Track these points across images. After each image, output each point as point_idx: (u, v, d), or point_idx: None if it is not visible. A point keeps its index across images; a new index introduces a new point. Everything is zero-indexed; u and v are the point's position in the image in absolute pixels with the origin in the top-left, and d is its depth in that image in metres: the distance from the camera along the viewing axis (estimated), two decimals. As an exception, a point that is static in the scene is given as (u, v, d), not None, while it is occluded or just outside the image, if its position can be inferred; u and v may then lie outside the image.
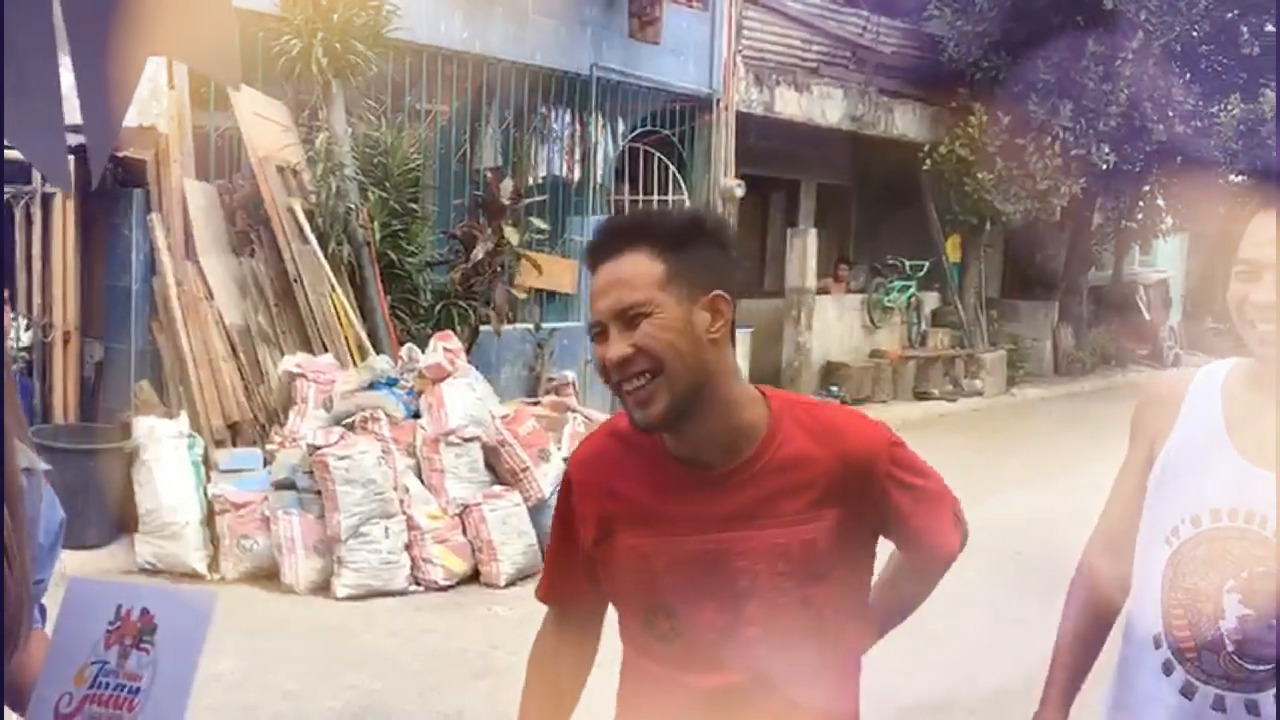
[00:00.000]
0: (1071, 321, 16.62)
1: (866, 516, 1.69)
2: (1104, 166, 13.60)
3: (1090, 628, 1.94)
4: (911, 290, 13.94)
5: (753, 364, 11.76)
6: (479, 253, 7.65)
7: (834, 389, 12.29)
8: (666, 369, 1.57)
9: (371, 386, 6.48)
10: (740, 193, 10.94)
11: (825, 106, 12.12)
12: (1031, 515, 8.15)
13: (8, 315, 6.39)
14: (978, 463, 10.04)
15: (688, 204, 10.48)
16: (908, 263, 13.87)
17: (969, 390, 13.69)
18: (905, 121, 13.29)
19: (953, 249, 14.66)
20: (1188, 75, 14.30)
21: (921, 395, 13.30)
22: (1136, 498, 1.81)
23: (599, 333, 1.61)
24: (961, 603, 6.17)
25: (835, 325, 12.94)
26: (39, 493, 1.49)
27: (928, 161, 13.23)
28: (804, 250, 12.10)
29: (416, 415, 6.50)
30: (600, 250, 1.64)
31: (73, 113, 1.04)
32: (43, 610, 1.60)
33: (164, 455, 6.13)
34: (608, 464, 1.74)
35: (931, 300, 14.61)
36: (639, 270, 1.59)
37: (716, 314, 1.61)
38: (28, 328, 6.49)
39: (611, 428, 1.78)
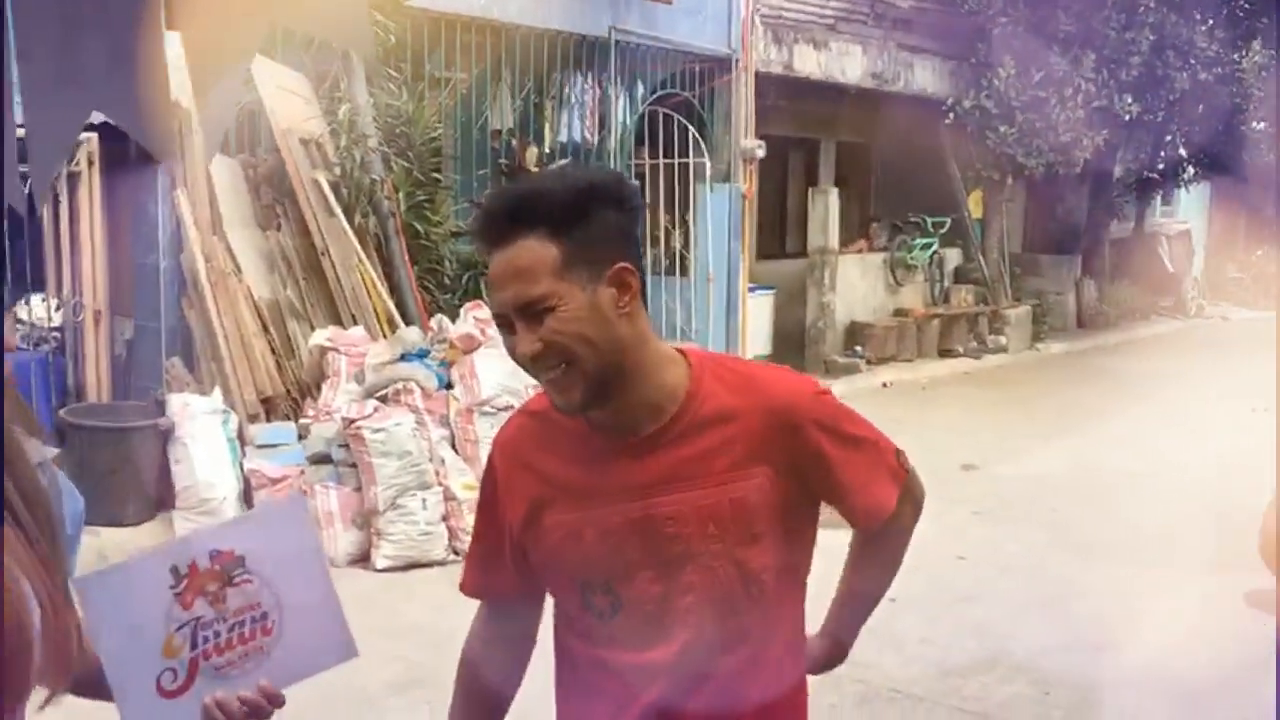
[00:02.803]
0: (1094, 275, 16.50)
1: (798, 473, 1.62)
2: (1126, 117, 13.44)
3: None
4: (934, 248, 13.84)
5: (776, 326, 11.72)
6: (504, 221, 7.60)
7: (858, 349, 12.24)
8: (579, 358, 1.51)
9: (403, 358, 6.48)
10: (761, 153, 10.85)
11: (844, 64, 11.97)
12: (1064, 471, 8.13)
13: (50, 297, 6.41)
14: (1006, 419, 10.01)
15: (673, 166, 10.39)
16: (929, 220, 13.76)
17: (993, 346, 13.62)
18: (925, 77, 13.13)
19: (975, 205, 14.54)
20: (1209, 22, 14.10)
21: (946, 353, 13.23)
22: None
23: (505, 324, 1.55)
24: (999, 560, 6.18)
25: (858, 285, 12.86)
26: (55, 482, 1.45)
27: (950, 116, 13.10)
28: (826, 210, 12.01)
29: (449, 386, 6.50)
30: (489, 236, 1.54)
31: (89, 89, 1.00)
32: None
33: (199, 432, 6.14)
34: (530, 443, 1.68)
35: (954, 257, 14.51)
36: (534, 259, 1.50)
37: (623, 287, 1.54)
38: (58, 307, 6.49)
39: (532, 406, 1.73)
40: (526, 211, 1.52)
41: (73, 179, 6.40)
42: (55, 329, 6.49)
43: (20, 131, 0.96)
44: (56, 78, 0.91)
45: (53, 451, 1.47)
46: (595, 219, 1.53)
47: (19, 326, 6.34)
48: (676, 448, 1.59)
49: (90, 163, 6.44)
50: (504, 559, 1.71)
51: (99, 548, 6.00)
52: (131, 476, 6.15)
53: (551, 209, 1.51)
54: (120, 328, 6.99)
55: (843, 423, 1.67)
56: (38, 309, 6.40)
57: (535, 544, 1.66)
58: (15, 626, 1.30)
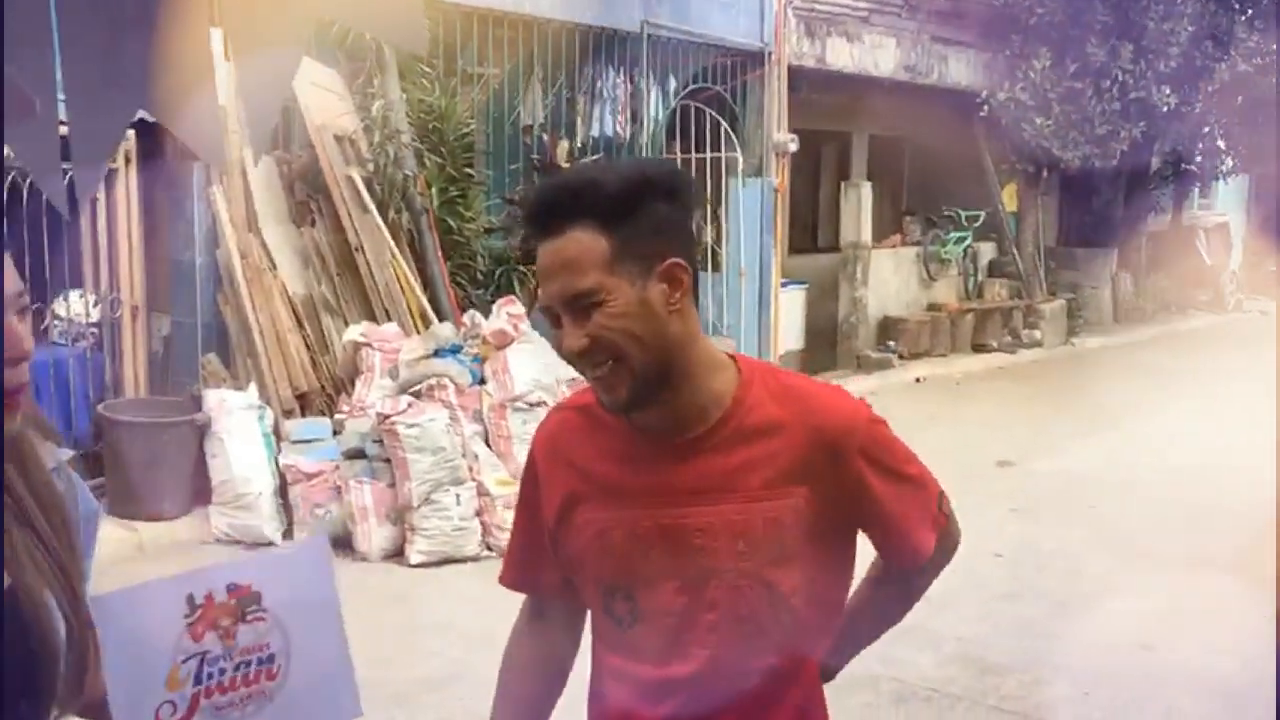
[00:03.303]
0: (1131, 268, 16.32)
1: (838, 501, 1.56)
2: (1164, 109, 13.26)
3: None
4: (968, 241, 13.73)
5: (808, 321, 11.67)
6: (536, 216, 7.60)
7: (891, 344, 12.16)
8: (627, 355, 1.48)
9: (436, 354, 6.49)
10: (793, 147, 10.78)
11: (877, 57, 11.88)
12: (1101, 468, 8.04)
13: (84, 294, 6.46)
14: (1041, 415, 9.91)
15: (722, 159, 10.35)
16: (963, 213, 13.65)
17: (1028, 341, 13.50)
18: (958, 69, 13.01)
19: (1009, 198, 14.41)
20: (1249, 12, 13.90)
21: (980, 348, 13.12)
22: None
23: (552, 317, 1.52)
24: (1037, 558, 6.12)
25: (891, 279, 12.77)
26: (71, 486, 1.40)
27: (984, 108, 12.99)
28: (858, 203, 11.94)
29: (482, 381, 6.50)
30: (538, 226, 1.51)
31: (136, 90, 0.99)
32: None
33: (235, 427, 6.18)
34: (571, 438, 1.65)
35: (988, 251, 14.38)
36: (583, 252, 1.46)
37: (674, 283, 1.50)
38: (96, 303, 6.54)
39: (575, 400, 1.69)
40: (577, 202, 1.48)
41: (110, 176, 6.45)
42: (93, 325, 6.55)
43: (63, 130, 0.94)
44: (101, 77, 0.90)
45: (68, 454, 1.43)
46: (647, 211, 1.49)
47: (57, 322, 6.40)
48: (716, 456, 1.55)
49: (127, 160, 6.49)
50: (543, 554, 1.68)
51: (137, 542, 6.07)
52: (169, 471, 6.20)
53: (603, 200, 1.47)
54: (158, 324, 7.04)
55: (892, 456, 1.61)
56: (76, 305, 6.45)
57: (566, 540, 1.63)
58: (42, 641, 1.26)
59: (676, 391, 1.53)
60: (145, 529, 6.12)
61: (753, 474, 1.54)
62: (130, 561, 5.93)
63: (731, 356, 1.62)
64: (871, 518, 1.61)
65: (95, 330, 6.57)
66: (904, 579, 1.73)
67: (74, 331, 6.47)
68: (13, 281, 1.22)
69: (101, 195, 6.45)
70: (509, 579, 1.76)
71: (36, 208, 5.93)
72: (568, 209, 1.48)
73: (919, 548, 1.64)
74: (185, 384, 6.76)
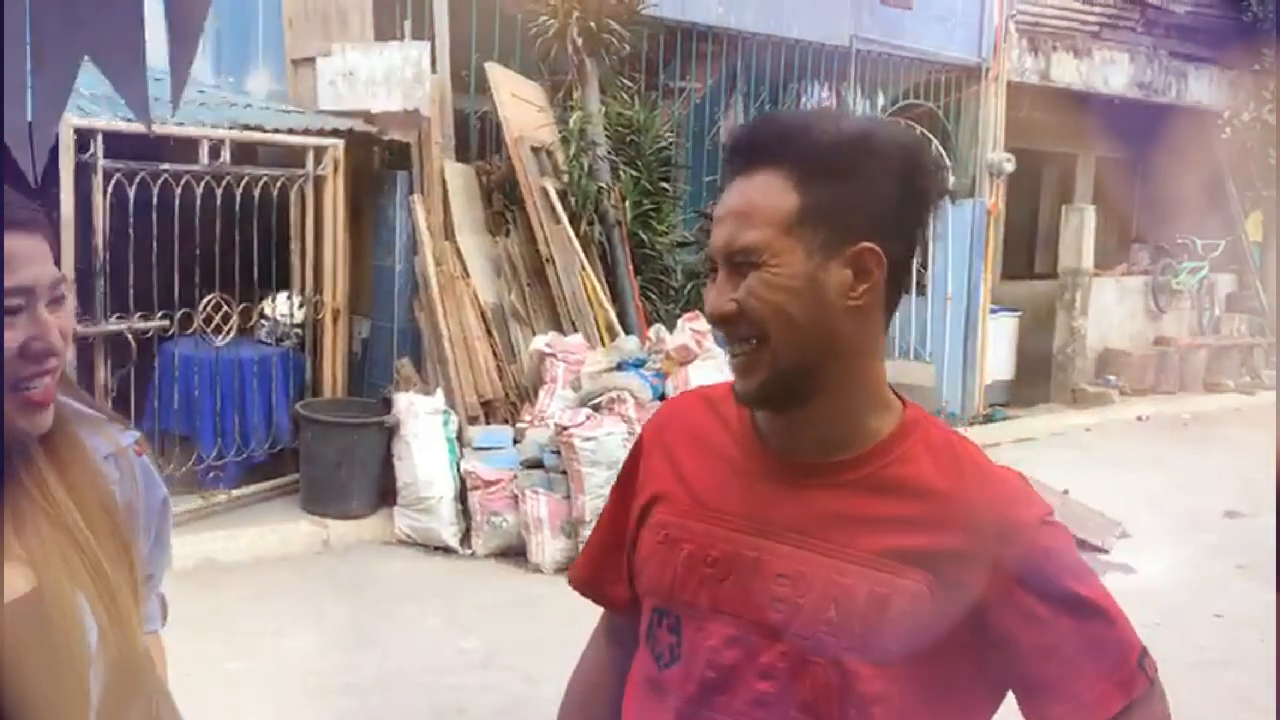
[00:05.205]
0: (1395, 308, 14.81)
1: (973, 612, 1.19)
2: None
3: None
4: (1204, 272, 12.77)
5: (1020, 350, 11.08)
6: (730, 232, 7.46)
7: (1111, 378, 11.41)
8: (772, 337, 1.20)
9: (619, 367, 6.42)
10: (1010, 168, 10.27)
11: (1108, 73, 11.20)
12: (1347, 526, 7.22)
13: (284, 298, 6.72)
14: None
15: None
16: (1200, 242, 12.70)
17: (1269, 383, 12.41)
18: (1200, 88, 12.13)
19: (1253, 227, 13.32)
20: None
21: (1213, 387, 12.16)
22: None
23: (711, 268, 1.25)
24: (1263, 621, 5.49)
25: (1114, 310, 12.00)
26: (132, 474, 1.31)
27: (1227, 130, 12.05)
28: (1080, 229, 11.26)
29: (663, 397, 6.39)
30: (734, 159, 1.26)
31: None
32: (163, 603, 1.41)
33: (421, 431, 6.28)
34: (685, 425, 1.38)
35: (1227, 283, 13.34)
36: (763, 200, 1.20)
37: (862, 273, 1.20)
38: (301, 305, 6.79)
39: (709, 389, 1.42)
40: (779, 142, 1.22)
41: (319, 182, 6.69)
42: (297, 326, 6.79)
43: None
44: (60, 20, 0.79)
45: (133, 435, 1.32)
46: (860, 179, 1.20)
47: (264, 322, 6.67)
48: (839, 496, 1.24)
49: (335, 168, 6.71)
50: (620, 557, 1.40)
51: (324, 538, 6.24)
52: (358, 471, 6.35)
53: (807, 147, 1.21)
54: (358, 327, 7.27)
55: (1062, 573, 1.21)
56: (282, 306, 6.71)
57: (639, 542, 1.36)
58: (66, 645, 1.17)
59: (820, 405, 1.24)
60: (333, 526, 6.29)
61: (874, 534, 1.22)
62: (317, 556, 6.11)
63: (902, 401, 1.31)
64: (1016, 653, 1.20)
65: (299, 331, 6.81)
66: None
67: (279, 332, 6.73)
68: (45, 269, 1.14)
69: (310, 200, 6.71)
70: (576, 576, 1.50)
71: (250, 211, 6.21)
72: (766, 147, 1.23)
73: (1085, 708, 1.20)
74: (380, 386, 6.93)
